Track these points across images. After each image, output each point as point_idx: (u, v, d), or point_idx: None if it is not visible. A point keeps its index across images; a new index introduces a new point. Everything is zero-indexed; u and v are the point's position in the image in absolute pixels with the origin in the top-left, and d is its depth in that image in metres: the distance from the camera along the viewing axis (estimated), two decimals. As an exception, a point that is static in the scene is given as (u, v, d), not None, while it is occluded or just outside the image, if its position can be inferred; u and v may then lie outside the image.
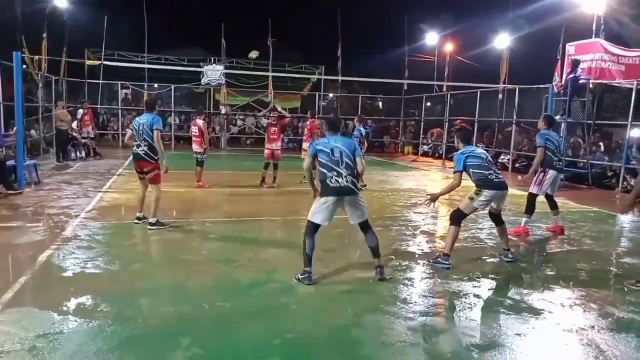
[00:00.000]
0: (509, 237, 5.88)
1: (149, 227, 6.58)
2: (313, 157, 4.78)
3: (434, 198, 5.41)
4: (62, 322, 3.68)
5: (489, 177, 5.23)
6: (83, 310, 3.90)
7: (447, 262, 5.30)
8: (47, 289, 4.40)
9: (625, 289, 4.74)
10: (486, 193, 5.22)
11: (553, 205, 7.11)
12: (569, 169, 12.84)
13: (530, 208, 6.96)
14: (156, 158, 6.58)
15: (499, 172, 5.38)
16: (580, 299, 4.51)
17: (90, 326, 3.63)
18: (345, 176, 4.61)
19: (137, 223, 6.74)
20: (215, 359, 3.35)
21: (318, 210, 4.69)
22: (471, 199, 5.31)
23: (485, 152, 5.53)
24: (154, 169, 6.61)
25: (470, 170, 5.28)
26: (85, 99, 17.98)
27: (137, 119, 6.78)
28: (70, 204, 8.00)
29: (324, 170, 4.65)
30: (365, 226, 4.84)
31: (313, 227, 4.73)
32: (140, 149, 6.55)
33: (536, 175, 6.99)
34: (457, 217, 5.40)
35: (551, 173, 6.84)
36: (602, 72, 12.73)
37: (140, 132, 6.52)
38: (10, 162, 9.73)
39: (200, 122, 10.41)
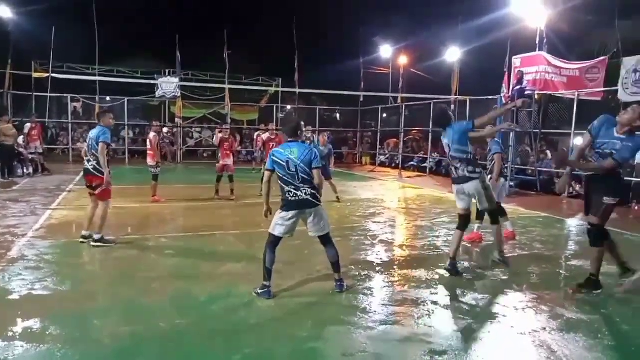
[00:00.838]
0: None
1: (92, 244, 6.33)
2: (271, 171, 4.67)
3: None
4: (7, 348, 3.48)
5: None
6: (31, 334, 3.71)
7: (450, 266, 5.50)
8: (-9, 313, 4.16)
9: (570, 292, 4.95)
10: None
11: (502, 212, 7.26)
12: (519, 176, 13.40)
13: (481, 214, 7.12)
14: (103, 172, 6.36)
15: (457, 167, 5.48)
16: (532, 302, 4.68)
17: (39, 351, 3.45)
18: (305, 189, 4.55)
19: (82, 242, 6.44)
20: (172, 379, 3.26)
21: (279, 223, 4.62)
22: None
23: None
24: (101, 184, 6.39)
25: None
26: (33, 112, 17.26)
27: (90, 132, 6.65)
28: (16, 223, 7.62)
29: (282, 185, 4.60)
30: (325, 240, 4.76)
31: (274, 241, 4.68)
32: (90, 163, 6.39)
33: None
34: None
35: (502, 180, 7.08)
36: (546, 84, 13.40)
37: (90, 146, 6.40)
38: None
39: (151, 135, 10.20)
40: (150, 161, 9.97)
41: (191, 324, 4.04)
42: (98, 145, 6.28)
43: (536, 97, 13.19)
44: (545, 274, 5.74)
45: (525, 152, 14.49)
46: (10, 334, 3.70)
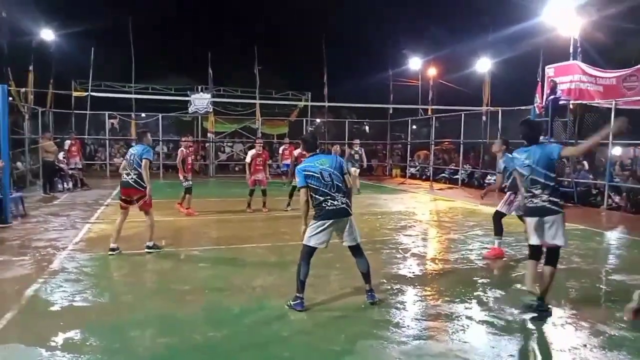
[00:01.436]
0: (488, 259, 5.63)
1: (146, 250, 6.79)
2: (306, 187, 4.63)
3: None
4: (49, 358, 3.60)
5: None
6: (71, 345, 3.83)
7: (532, 300, 4.61)
8: (34, 324, 4.31)
9: (616, 309, 4.76)
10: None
11: (500, 230, 6.91)
12: (555, 187, 13.04)
13: (498, 229, 6.87)
14: (144, 186, 6.71)
15: (536, 194, 4.61)
16: (572, 318, 4.54)
17: (79, 361, 3.56)
18: (340, 198, 4.59)
19: (111, 255, 6.63)
20: (207, 391, 3.30)
21: (314, 233, 4.62)
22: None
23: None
24: (143, 197, 6.75)
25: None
26: (72, 130, 17.95)
27: (130, 149, 7.08)
28: (57, 236, 7.90)
29: (317, 196, 4.59)
30: (356, 250, 4.79)
31: (309, 252, 4.68)
32: (129, 177, 6.72)
33: (507, 195, 6.89)
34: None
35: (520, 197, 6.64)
36: (581, 93, 13.09)
37: (131, 162, 6.76)
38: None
39: (180, 149, 10.45)
40: (180, 175, 10.23)
41: (224, 337, 4.09)
42: (141, 161, 6.64)
43: (571, 106, 12.89)
44: (585, 288, 5.56)
45: (561, 163, 14.12)
46: (52, 344, 3.83)
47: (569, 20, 13.35)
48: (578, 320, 4.47)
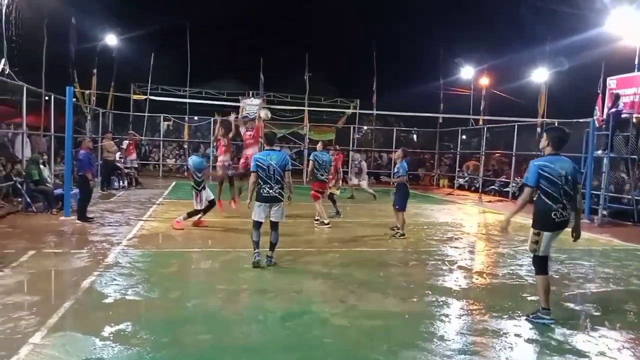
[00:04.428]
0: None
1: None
2: (256, 172, 6.17)
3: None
4: (102, 348, 3.77)
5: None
6: (123, 336, 3.99)
7: (548, 317, 4.64)
8: (90, 314, 4.52)
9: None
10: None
11: None
12: (613, 204, 12.40)
13: None
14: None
15: (566, 207, 4.59)
16: (629, 342, 4.30)
17: (129, 353, 3.70)
18: (275, 188, 6.15)
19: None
20: (250, 391, 3.35)
21: (255, 211, 6.24)
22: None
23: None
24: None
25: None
26: (129, 129, 18.79)
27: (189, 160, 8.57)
28: (112, 232, 8.26)
29: (260, 182, 6.15)
30: (275, 225, 6.33)
31: (255, 224, 6.28)
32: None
33: None
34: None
35: None
36: (646, 106, 12.40)
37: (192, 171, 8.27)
38: (58, 191, 10.22)
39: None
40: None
41: (267, 339, 4.14)
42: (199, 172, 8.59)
43: (634, 120, 12.23)
44: (645, 312, 5.24)
45: (620, 179, 13.42)
46: (105, 334, 4.01)
47: (634, 29, 12.71)
48: (636, 345, 4.23)
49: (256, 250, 6.27)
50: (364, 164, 15.70)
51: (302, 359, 3.78)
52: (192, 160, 8.93)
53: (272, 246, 6.42)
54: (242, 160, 10.82)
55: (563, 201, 4.53)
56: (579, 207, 4.81)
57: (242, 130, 11.03)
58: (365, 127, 26.17)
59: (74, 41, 15.24)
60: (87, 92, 15.95)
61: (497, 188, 18.57)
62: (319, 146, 10.39)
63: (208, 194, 8.81)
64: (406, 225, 8.97)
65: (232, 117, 11.45)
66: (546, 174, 4.54)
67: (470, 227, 10.81)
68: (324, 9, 27.62)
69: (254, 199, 6.25)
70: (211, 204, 8.91)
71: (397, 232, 8.80)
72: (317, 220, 9.75)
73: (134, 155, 16.37)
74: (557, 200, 4.53)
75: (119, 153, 15.56)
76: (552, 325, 4.59)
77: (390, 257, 7.29)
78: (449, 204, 15.38)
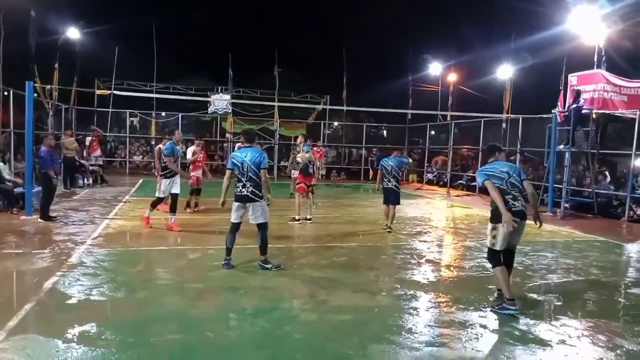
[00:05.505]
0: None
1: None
2: (231, 170, 5.97)
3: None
4: (66, 350, 3.67)
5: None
6: (87, 338, 3.89)
7: (513, 308, 4.76)
8: (52, 316, 4.40)
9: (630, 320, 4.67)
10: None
11: None
12: (574, 198, 12.84)
13: None
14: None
15: (518, 197, 4.91)
16: (589, 330, 4.46)
17: (94, 354, 3.61)
18: (248, 186, 5.83)
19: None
20: (219, 389, 3.33)
21: (233, 212, 5.99)
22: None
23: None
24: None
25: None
26: (92, 125, 18.29)
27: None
28: (76, 231, 8.04)
29: (235, 181, 5.92)
30: (260, 227, 5.99)
31: (232, 226, 6.04)
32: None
33: None
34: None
35: None
36: (605, 103, 12.85)
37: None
38: (18, 189, 9.87)
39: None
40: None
41: (238, 336, 4.12)
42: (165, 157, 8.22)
43: (594, 116, 12.67)
44: (603, 301, 5.45)
45: (581, 174, 13.90)
46: (69, 336, 3.90)
47: (594, 28, 13.13)
48: (595, 333, 4.39)
49: (227, 258, 6.04)
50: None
51: (272, 355, 3.77)
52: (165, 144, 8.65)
53: (261, 250, 6.08)
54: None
55: (512, 193, 4.89)
56: (531, 198, 5.06)
57: (190, 151, 10.77)
58: (335, 123, 26.25)
59: (34, 35, 14.68)
60: (49, 87, 15.44)
61: (464, 183, 18.96)
62: (300, 140, 10.31)
63: (173, 187, 8.36)
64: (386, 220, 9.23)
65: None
66: (491, 173, 5.02)
67: (438, 221, 11.00)
68: (293, 4, 27.50)
69: (227, 197, 6.05)
70: (172, 197, 8.42)
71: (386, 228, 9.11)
72: (298, 219, 9.58)
73: (98, 152, 15.98)
74: (506, 192, 4.89)
75: (85, 151, 15.14)
76: (517, 316, 4.72)
77: (360, 252, 7.34)
78: (418, 199, 15.59)
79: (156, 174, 10.22)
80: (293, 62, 23.54)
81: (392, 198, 9.10)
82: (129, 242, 7.65)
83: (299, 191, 9.59)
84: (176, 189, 8.42)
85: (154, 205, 8.55)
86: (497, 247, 4.90)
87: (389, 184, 9.07)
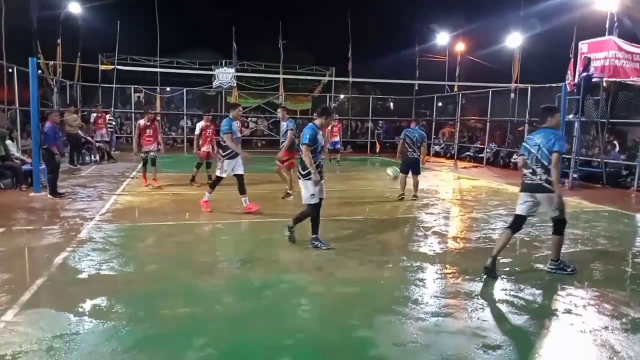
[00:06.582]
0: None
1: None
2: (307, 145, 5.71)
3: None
4: (78, 323, 3.74)
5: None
6: (98, 311, 3.97)
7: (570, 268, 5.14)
8: (63, 290, 4.47)
9: None
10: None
11: None
12: (583, 168, 12.72)
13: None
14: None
15: (537, 172, 4.97)
16: (594, 300, 4.47)
17: (106, 327, 3.69)
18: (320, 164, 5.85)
19: None
20: (228, 359, 3.39)
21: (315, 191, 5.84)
22: None
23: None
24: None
25: None
26: (98, 103, 18.25)
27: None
28: (85, 207, 8.11)
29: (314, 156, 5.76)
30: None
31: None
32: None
33: None
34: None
35: None
36: (616, 70, 12.59)
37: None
38: (26, 167, 9.93)
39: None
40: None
41: (245, 308, 4.17)
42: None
43: (604, 84, 12.43)
44: (609, 270, 5.45)
45: (590, 143, 13.74)
46: (80, 310, 3.97)
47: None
48: (601, 302, 4.41)
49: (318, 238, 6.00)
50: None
51: (280, 327, 3.83)
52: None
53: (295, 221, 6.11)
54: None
55: (532, 167, 5.00)
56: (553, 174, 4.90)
57: (198, 126, 10.71)
58: (341, 96, 25.99)
59: (35, 10, 14.53)
60: (52, 63, 15.36)
61: (472, 154, 18.83)
62: (282, 114, 9.91)
63: (236, 167, 7.85)
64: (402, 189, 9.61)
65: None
66: (524, 144, 5.21)
67: (445, 194, 10.98)
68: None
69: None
70: (238, 178, 7.88)
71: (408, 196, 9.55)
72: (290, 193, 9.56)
73: (104, 130, 15.96)
74: (527, 166, 5.05)
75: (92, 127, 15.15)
76: (522, 286, 4.75)
77: (367, 225, 7.36)
78: (425, 171, 15.45)
79: (135, 151, 10.25)
80: (298, 34, 23.21)
81: (415, 168, 9.51)
82: (137, 217, 7.72)
83: (289, 167, 9.55)
84: (240, 170, 7.90)
85: (212, 186, 8.04)
86: (516, 212, 5.23)
87: (413, 154, 9.50)
